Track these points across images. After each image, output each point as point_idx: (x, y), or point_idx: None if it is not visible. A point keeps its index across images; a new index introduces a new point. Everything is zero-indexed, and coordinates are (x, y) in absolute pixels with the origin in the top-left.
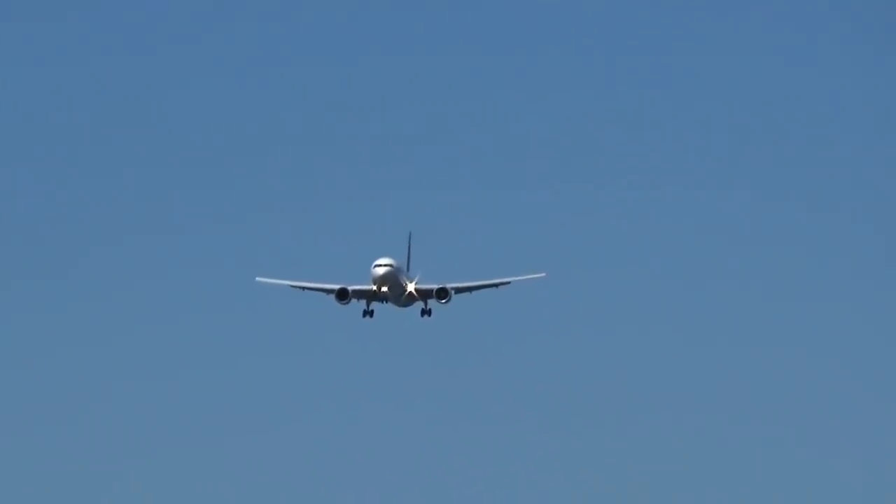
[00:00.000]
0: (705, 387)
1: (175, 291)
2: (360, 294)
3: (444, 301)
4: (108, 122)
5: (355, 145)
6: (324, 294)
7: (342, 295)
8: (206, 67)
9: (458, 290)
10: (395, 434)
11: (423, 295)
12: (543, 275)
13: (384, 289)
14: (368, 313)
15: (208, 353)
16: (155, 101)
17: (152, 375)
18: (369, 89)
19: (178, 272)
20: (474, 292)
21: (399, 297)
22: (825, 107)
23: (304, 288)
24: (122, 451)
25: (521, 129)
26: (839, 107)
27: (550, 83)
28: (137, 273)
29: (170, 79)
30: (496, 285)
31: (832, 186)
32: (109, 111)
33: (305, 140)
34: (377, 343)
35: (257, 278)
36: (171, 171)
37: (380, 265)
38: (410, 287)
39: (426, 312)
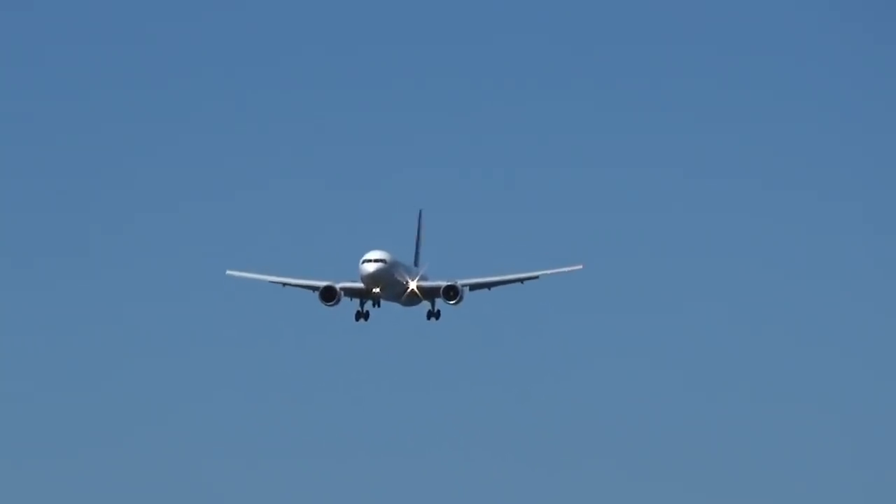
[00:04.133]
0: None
1: (137, 284)
2: (351, 292)
3: (453, 302)
4: (81, 107)
5: (356, 126)
6: (309, 292)
7: (328, 295)
8: (192, 53)
9: (475, 287)
10: (387, 468)
11: (429, 294)
12: (580, 267)
13: (376, 290)
14: (363, 315)
15: (162, 358)
16: (135, 88)
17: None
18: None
19: (141, 263)
20: (494, 289)
21: (399, 296)
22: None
23: (284, 284)
24: (78, 456)
25: (547, 109)
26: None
27: (573, 66)
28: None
29: (152, 65)
30: (521, 280)
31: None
32: (89, 98)
33: (299, 121)
34: (371, 353)
35: (228, 271)
36: (142, 155)
37: (369, 260)
38: (412, 285)
39: (433, 314)
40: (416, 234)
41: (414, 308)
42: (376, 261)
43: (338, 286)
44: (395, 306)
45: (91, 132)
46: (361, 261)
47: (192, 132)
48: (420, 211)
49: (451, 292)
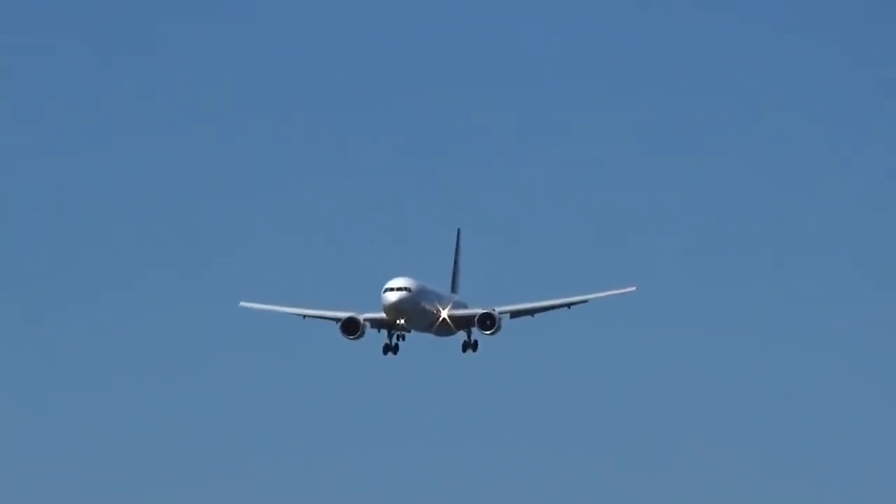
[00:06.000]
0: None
1: (143, 319)
2: (377, 324)
3: (489, 332)
4: (89, 129)
5: (389, 141)
6: (331, 323)
7: (350, 328)
8: (204, 79)
9: (516, 314)
10: None
11: (463, 323)
12: (633, 289)
13: (401, 321)
14: (391, 349)
15: (167, 399)
16: (142, 112)
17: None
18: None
19: (149, 296)
20: (538, 316)
21: (429, 326)
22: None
23: (304, 316)
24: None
25: (594, 126)
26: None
27: (615, 85)
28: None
29: (162, 88)
30: (568, 305)
31: None
32: (96, 119)
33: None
34: (400, 391)
35: (241, 303)
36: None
37: (391, 289)
38: (444, 314)
39: (470, 346)
40: (453, 256)
41: (449, 339)
42: (399, 289)
43: (361, 317)
44: (427, 337)
45: (103, 155)
46: (383, 290)
47: (210, 153)
48: (458, 230)
49: (488, 321)
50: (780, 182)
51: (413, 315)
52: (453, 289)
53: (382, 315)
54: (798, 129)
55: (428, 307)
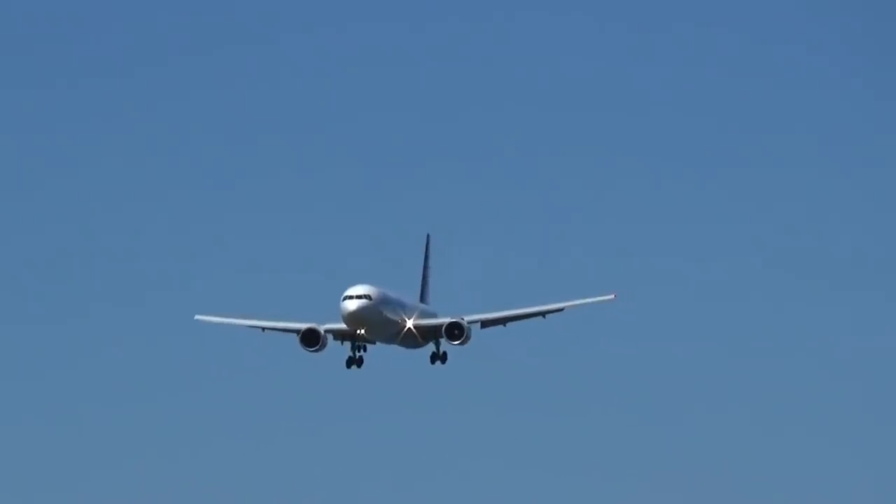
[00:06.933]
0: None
1: (96, 333)
2: (338, 335)
3: (457, 342)
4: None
5: (355, 144)
6: (291, 335)
7: (311, 339)
8: (158, 87)
9: (488, 324)
10: None
11: (430, 334)
12: (612, 297)
13: (361, 331)
14: (355, 361)
15: (121, 417)
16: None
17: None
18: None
19: (101, 309)
20: (510, 325)
21: (393, 337)
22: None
23: (263, 328)
24: None
25: (576, 130)
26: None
27: (593, 87)
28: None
29: (124, 99)
30: (543, 314)
31: None
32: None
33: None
34: (365, 406)
35: (197, 316)
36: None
37: (350, 297)
38: (409, 323)
39: (439, 357)
40: (422, 263)
41: (417, 351)
42: (359, 297)
43: (322, 328)
44: (394, 349)
45: (61, 175)
46: (342, 298)
47: (166, 165)
48: (427, 236)
49: (456, 331)
50: (764, 188)
51: (375, 325)
52: (423, 297)
53: (343, 326)
54: (781, 138)
55: (391, 316)
